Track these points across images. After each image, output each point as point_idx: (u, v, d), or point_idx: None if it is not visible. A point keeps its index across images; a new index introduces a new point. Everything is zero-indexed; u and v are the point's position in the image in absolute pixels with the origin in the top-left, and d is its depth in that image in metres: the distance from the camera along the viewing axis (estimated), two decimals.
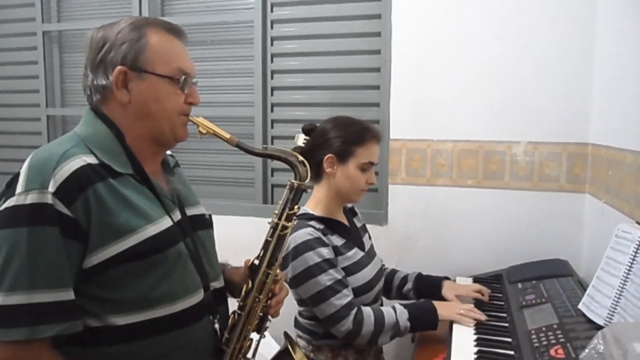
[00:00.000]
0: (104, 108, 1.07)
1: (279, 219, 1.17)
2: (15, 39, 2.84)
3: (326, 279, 1.44)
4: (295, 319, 1.63)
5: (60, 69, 2.80)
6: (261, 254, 1.17)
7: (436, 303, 1.54)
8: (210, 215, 1.25)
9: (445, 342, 1.45)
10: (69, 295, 0.93)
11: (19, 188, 0.93)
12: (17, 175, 0.96)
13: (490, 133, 2.06)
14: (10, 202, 0.93)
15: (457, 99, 2.07)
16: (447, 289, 1.70)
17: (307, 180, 1.19)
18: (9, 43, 2.86)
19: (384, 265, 1.82)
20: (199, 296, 1.09)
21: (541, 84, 1.98)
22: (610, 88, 1.79)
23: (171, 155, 1.26)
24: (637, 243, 1.21)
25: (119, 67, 1.02)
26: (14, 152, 2.91)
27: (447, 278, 1.77)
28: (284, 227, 1.16)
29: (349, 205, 1.73)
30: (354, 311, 1.45)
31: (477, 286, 1.72)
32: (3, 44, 2.87)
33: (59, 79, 2.81)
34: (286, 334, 1.28)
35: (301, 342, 1.61)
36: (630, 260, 1.20)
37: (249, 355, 1.16)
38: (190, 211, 1.17)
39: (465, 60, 2.05)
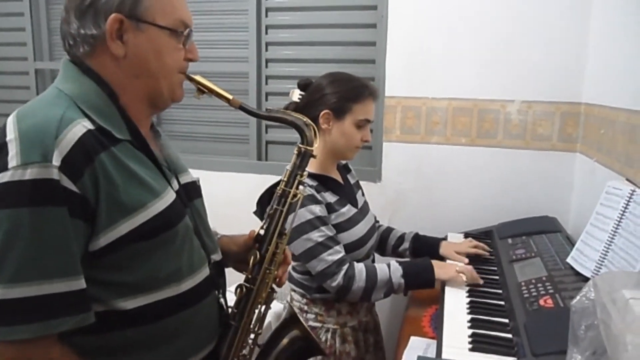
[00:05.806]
0: (90, 62, 0.91)
1: (289, 186, 1.08)
2: None
3: (317, 235, 1.45)
4: (289, 273, 1.66)
5: (47, 21, 2.72)
6: (268, 224, 1.08)
7: (434, 262, 1.53)
8: (198, 180, 1.13)
9: (437, 295, 1.49)
10: (80, 284, 0.82)
11: (14, 160, 0.78)
12: (4, 143, 0.80)
13: (485, 91, 2.06)
14: (4, 178, 0.77)
15: (453, 57, 2.06)
16: (444, 248, 1.73)
17: (315, 145, 1.11)
18: None
19: (378, 222, 1.84)
20: (205, 272, 1.01)
21: (536, 43, 1.97)
22: (604, 48, 1.79)
23: None
24: (627, 199, 1.25)
25: (114, 15, 0.87)
26: (1, 107, 2.87)
27: (444, 239, 1.80)
28: (294, 195, 1.08)
29: (343, 161, 1.73)
30: (345, 267, 1.46)
31: (474, 242, 1.76)
32: None
33: (47, 32, 2.74)
34: (290, 305, 1.30)
35: (295, 296, 1.64)
36: (620, 216, 1.24)
37: (256, 328, 1.09)
38: (183, 179, 1.06)
39: (462, 19, 2.03)
